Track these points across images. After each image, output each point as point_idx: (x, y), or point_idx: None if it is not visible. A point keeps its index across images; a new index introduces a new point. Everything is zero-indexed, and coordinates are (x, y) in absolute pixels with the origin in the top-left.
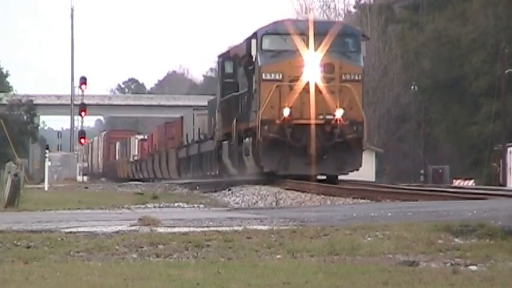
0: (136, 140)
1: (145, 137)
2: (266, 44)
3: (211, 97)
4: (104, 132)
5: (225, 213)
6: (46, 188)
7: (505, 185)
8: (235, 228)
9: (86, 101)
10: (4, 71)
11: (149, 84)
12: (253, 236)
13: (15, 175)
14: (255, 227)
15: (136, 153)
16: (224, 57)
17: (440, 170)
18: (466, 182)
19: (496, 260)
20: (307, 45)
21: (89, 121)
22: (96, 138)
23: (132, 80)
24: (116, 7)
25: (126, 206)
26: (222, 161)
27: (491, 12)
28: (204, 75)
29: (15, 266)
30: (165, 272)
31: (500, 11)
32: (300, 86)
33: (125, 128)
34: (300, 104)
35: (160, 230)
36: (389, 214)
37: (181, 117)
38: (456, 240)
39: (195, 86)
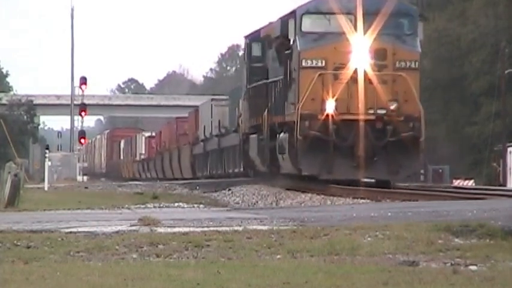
0: (143, 138)
1: (153, 135)
2: (306, 24)
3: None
4: (107, 131)
5: (225, 213)
6: (46, 188)
7: (505, 185)
8: (235, 228)
9: (86, 101)
10: (4, 71)
11: (149, 84)
12: (253, 236)
13: (15, 175)
14: (255, 227)
15: (143, 151)
16: (252, 39)
17: (440, 170)
18: (466, 182)
19: (496, 260)
20: (355, 27)
21: (89, 121)
22: (98, 136)
23: (132, 80)
24: (115, 7)
25: (126, 206)
26: (249, 157)
27: (491, 12)
28: (204, 76)
29: (15, 266)
30: (165, 272)
31: (500, 11)
32: (346, 74)
33: (130, 126)
34: (346, 96)
35: (160, 230)
36: (389, 214)
37: (196, 110)
38: (456, 240)
39: (195, 86)
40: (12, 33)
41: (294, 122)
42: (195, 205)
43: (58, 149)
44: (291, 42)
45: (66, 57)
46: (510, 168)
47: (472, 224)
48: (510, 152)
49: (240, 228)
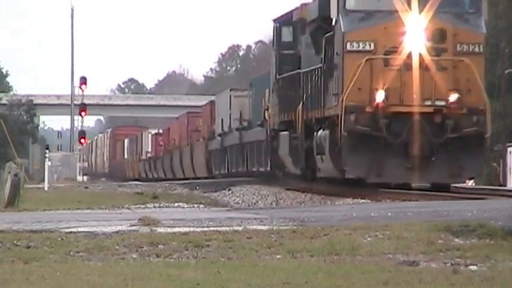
0: (150, 135)
1: (160, 132)
2: (351, 1)
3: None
4: (110, 129)
5: (225, 213)
6: (46, 188)
7: (505, 185)
8: (235, 228)
9: (86, 101)
10: (4, 71)
11: (149, 84)
12: (253, 236)
13: (15, 175)
14: (255, 227)
15: (149, 150)
16: (282, 22)
17: None
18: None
19: (496, 260)
20: (409, 4)
21: (89, 121)
22: (100, 135)
23: (132, 80)
24: (116, 7)
25: (126, 206)
26: (278, 156)
27: (491, 12)
28: (204, 75)
29: (15, 266)
30: (165, 272)
31: (500, 11)
32: (399, 60)
33: (134, 124)
34: (399, 85)
35: (160, 230)
36: (389, 214)
37: (211, 102)
38: (456, 240)
39: (195, 86)
40: (12, 33)
41: (337, 116)
42: (195, 205)
43: (58, 149)
44: (333, 23)
45: (66, 57)
46: (510, 168)
47: (472, 224)
48: (510, 152)
49: (240, 228)
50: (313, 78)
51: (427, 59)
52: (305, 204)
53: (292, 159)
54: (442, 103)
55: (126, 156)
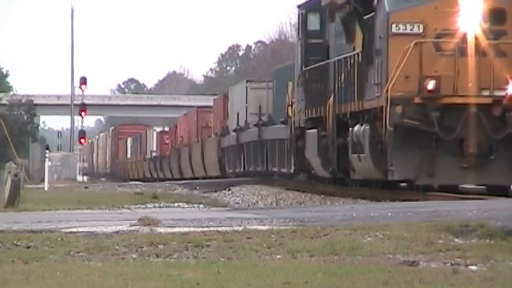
0: (155, 133)
1: (166, 129)
2: None
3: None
4: (112, 128)
5: (225, 213)
6: (46, 188)
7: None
8: (235, 228)
9: (86, 101)
10: (4, 71)
11: (149, 84)
12: (253, 236)
13: (15, 175)
14: (255, 227)
15: (154, 148)
16: (308, 8)
17: None
18: None
19: (496, 260)
20: None
21: (89, 121)
22: (102, 134)
23: (132, 80)
24: (115, 7)
25: (126, 206)
26: (304, 157)
27: None
28: (204, 75)
29: (15, 266)
30: (165, 272)
31: None
32: (452, 44)
33: (137, 122)
34: (452, 73)
35: (160, 230)
36: (390, 214)
37: (224, 96)
38: (456, 240)
39: (195, 86)
40: (12, 33)
41: (380, 108)
42: (195, 205)
43: (58, 149)
44: (375, 3)
45: (66, 57)
46: None
47: (472, 224)
48: None
49: (240, 228)
50: (347, 68)
51: (484, 42)
52: (305, 204)
53: (321, 160)
54: (502, 93)
55: (129, 155)
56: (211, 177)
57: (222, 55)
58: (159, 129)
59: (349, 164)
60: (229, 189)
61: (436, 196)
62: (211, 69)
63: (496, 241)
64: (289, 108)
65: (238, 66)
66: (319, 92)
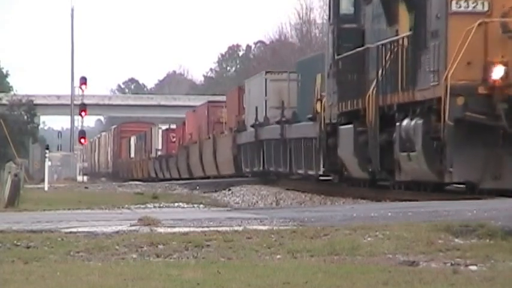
0: (160, 131)
1: (173, 127)
2: None
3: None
4: (114, 126)
5: (225, 213)
6: (46, 188)
7: None
8: (235, 228)
9: (86, 101)
10: (4, 71)
11: (149, 84)
12: (253, 236)
13: (16, 175)
14: (255, 227)
15: (159, 147)
16: None
17: None
18: None
19: (496, 260)
20: None
21: (89, 121)
22: (104, 133)
23: (132, 80)
24: (115, 7)
25: (126, 206)
26: (336, 156)
27: None
28: (204, 75)
29: (15, 266)
30: (165, 272)
31: None
32: None
33: (141, 120)
34: None
35: (160, 230)
36: (390, 214)
37: (239, 88)
38: (456, 240)
39: (195, 86)
40: (12, 33)
41: (437, 99)
42: (195, 205)
43: (58, 149)
44: None
45: (66, 57)
46: None
47: (472, 224)
48: None
49: (240, 228)
50: (392, 54)
51: None
52: (305, 204)
53: (358, 159)
54: None
55: (132, 155)
56: (224, 177)
57: (222, 55)
58: (164, 126)
59: (394, 163)
60: (229, 189)
61: (436, 196)
62: (211, 69)
63: (496, 241)
64: (318, 103)
65: (238, 66)
66: (355, 83)
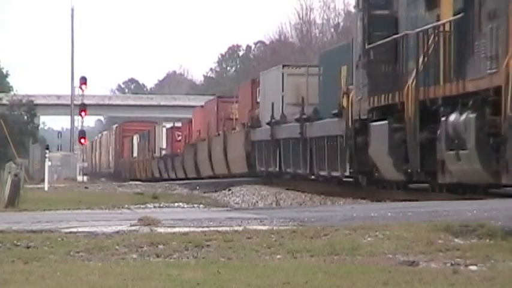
0: (164, 130)
1: (178, 125)
2: None
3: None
4: (116, 125)
5: (225, 213)
6: (46, 188)
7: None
8: (235, 228)
9: (86, 101)
10: (4, 71)
11: (149, 84)
12: (253, 236)
13: (16, 175)
14: (255, 227)
15: (164, 146)
16: None
17: None
18: None
19: (496, 260)
20: None
21: (89, 121)
22: (105, 132)
23: (132, 80)
24: (115, 7)
25: (126, 206)
26: (367, 156)
27: None
28: (204, 75)
29: (15, 266)
30: (165, 272)
31: None
32: None
33: (144, 119)
34: None
35: (160, 230)
36: (389, 214)
37: (252, 81)
38: (456, 240)
39: (195, 86)
40: (12, 33)
41: (495, 89)
42: (195, 205)
43: (58, 149)
44: None
45: (66, 57)
46: None
47: (472, 224)
48: None
49: (240, 228)
50: (434, 42)
51: None
52: (305, 204)
53: (393, 159)
54: None
55: (135, 154)
56: (235, 176)
57: (222, 55)
58: (169, 125)
59: (436, 164)
60: (229, 189)
61: (436, 196)
62: (211, 69)
63: (496, 241)
64: (344, 97)
65: (238, 66)
66: (389, 74)
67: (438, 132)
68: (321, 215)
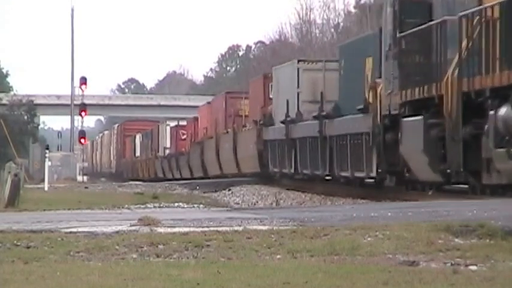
0: (168, 128)
1: (183, 123)
2: None
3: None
4: (117, 125)
5: (225, 213)
6: (46, 188)
7: None
8: (235, 228)
9: (86, 101)
10: (4, 71)
11: (149, 84)
12: (253, 236)
13: (16, 175)
14: (255, 227)
15: (168, 145)
16: None
17: None
18: None
19: (496, 260)
20: None
21: (89, 121)
22: (106, 132)
23: (132, 80)
24: (115, 7)
25: (126, 206)
26: (398, 153)
27: None
28: (204, 75)
29: (15, 266)
30: (165, 272)
31: None
32: None
33: (146, 118)
34: None
35: (160, 230)
36: (389, 214)
37: (264, 77)
38: (456, 240)
39: (195, 86)
40: (12, 33)
41: None
42: (195, 205)
43: (58, 149)
44: None
45: (66, 57)
46: None
47: (472, 224)
48: None
49: (240, 228)
50: (480, 28)
51: None
52: (305, 204)
53: (428, 158)
54: None
55: (138, 154)
56: (246, 175)
57: (222, 55)
58: (173, 123)
59: (481, 163)
60: (229, 189)
61: (436, 196)
62: (211, 69)
63: (496, 241)
64: (371, 91)
65: (238, 66)
66: (424, 65)
67: (486, 127)
68: (321, 215)
